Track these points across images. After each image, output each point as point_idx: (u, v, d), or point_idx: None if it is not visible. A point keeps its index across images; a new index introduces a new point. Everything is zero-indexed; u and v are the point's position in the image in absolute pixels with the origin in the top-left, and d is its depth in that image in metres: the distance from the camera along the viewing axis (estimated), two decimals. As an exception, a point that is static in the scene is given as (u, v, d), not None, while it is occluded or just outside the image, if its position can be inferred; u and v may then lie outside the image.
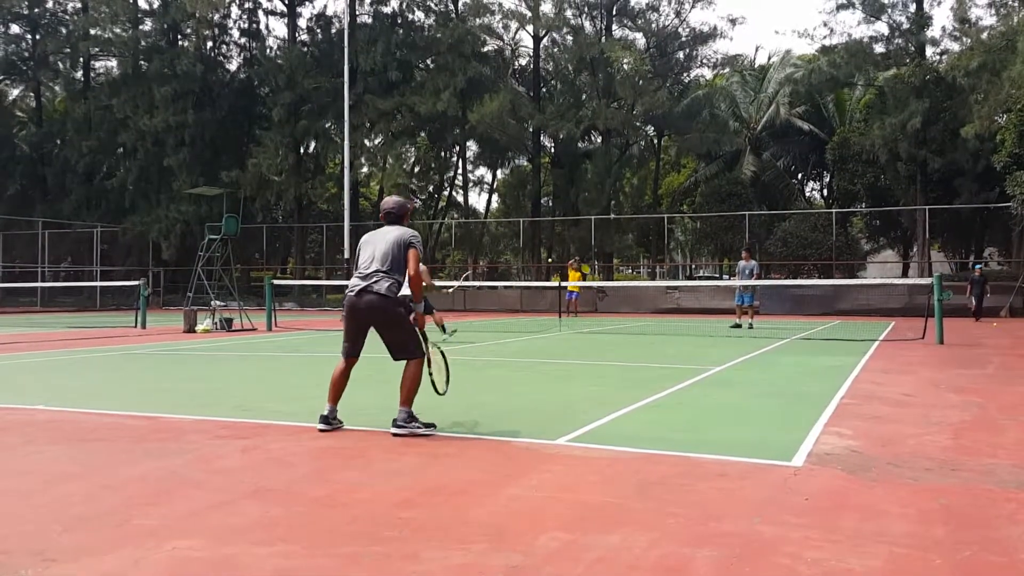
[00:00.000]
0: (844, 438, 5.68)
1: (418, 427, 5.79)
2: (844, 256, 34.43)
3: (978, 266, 27.05)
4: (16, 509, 4.05)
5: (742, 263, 19.23)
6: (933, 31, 35.30)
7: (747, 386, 8.58)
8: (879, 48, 35.54)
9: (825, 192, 47.55)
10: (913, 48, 34.65)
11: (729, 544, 3.43)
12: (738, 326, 18.85)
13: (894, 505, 4.05)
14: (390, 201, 6.27)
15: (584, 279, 28.39)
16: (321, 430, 5.96)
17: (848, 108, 41.23)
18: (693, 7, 42.89)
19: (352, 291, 5.91)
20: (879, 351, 13.02)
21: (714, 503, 4.06)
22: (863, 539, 3.51)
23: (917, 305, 23.91)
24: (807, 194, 49.04)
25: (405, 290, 5.91)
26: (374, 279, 5.82)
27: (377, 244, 5.97)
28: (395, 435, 5.73)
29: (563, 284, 25.74)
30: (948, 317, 16.93)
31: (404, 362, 5.97)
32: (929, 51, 35.03)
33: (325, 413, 6.02)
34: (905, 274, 38.57)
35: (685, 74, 46.07)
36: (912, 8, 34.75)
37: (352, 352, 6.08)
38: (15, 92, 50.69)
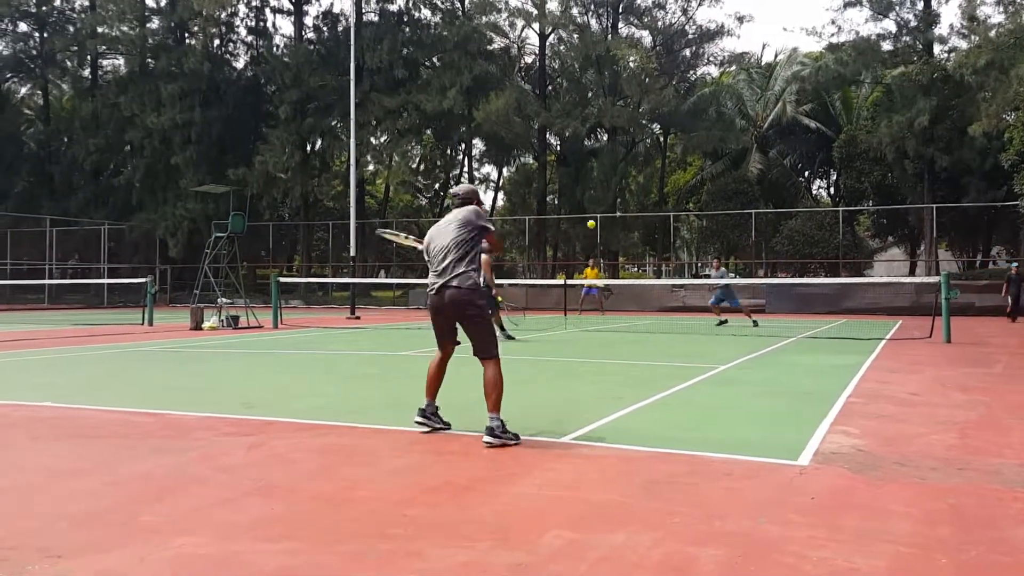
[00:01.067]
0: (850, 437, 5.67)
1: (510, 438, 5.43)
2: (851, 255, 34.35)
3: (1014, 264, 26.66)
4: (22, 505, 4.07)
5: (713, 272, 21.00)
6: (941, 29, 35.31)
7: (753, 385, 8.56)
8: (887, 46, 35.46)
9: (832, 190, 47.44)
10: (921, 46, 34.54)
11: (734, 543, 3.42)
12: (724, 323, 19.81)
13: (900, 504, 4.03)
14: (460, 188, 6.11)
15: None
16: (418, 422, 5.82)
17: (855, 106, 41.11)
18: (700, 5, 42.89)
19: (432, 290, 5.73)
20: (886, 350, 12.99)
21: (719, 502, 4.05)
22: (868, 538, 3.50)
23: (924, 304, 23.81)
24: (814, 192, 48.94)
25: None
26: (451, 273, 5.64)
27: (444, 234, 5.76)
28: (488, 445, 5.35)
29: (582, 282, 25.93)
30: (956, 316, 16.86)
31: (474, 363, 5.77)
32: (937, 49, 34.92)
33: (423, 407, 5.88)
34: (912, 273, 38.45)
35: (691, 72, 46.01)
36: (920, 6, 34.64)
37: (446, 344, 5.95)
38: (23, 90, 50.82)
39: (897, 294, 27.64)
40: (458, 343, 6.00)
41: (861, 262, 36.82)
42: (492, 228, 5.86)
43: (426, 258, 5.91)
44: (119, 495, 4.23)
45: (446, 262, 5.68)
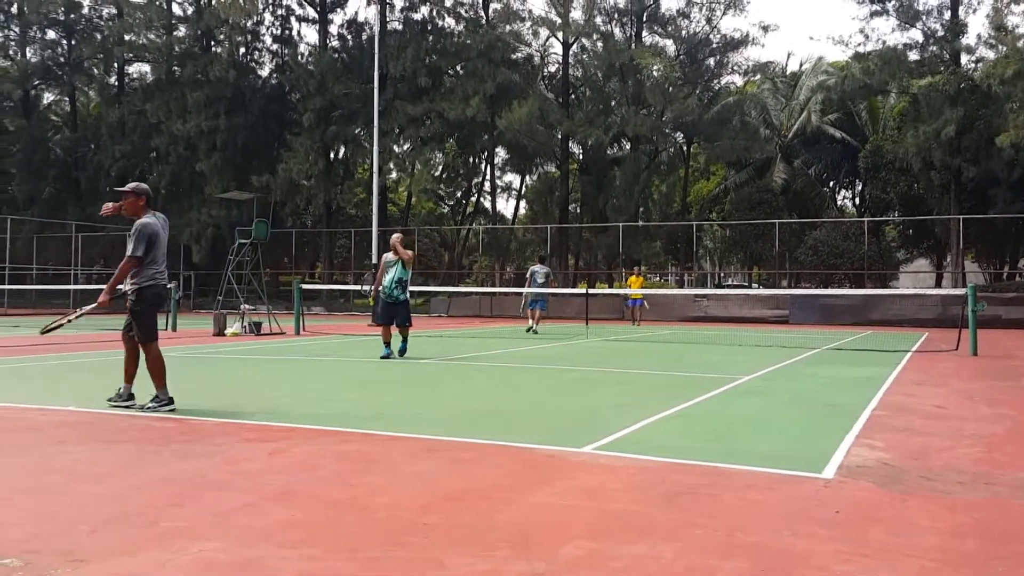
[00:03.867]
0: (875, 450, 5.60)
1: (164, 404, 7.00)
2: (876, 266, 34.06)
3: None
4: (46, 508, 4.09)
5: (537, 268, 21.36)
6: (968, 38, 34.86)
7: (776, 396, 8.49)
8: (913, 55, 35.23)
9: (857, 201, 47.09)
10: (948, 55, 34.27)
11: (757, 556, 3.38)
12: (531, 330, 19.94)
13: (925, 519, 3.98)
14: (130, 185, 7.27)
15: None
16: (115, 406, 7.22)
17: (881, 116, 40.82)
18: (725, 14, 42.77)
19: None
20: (912, 362, 12.85)
21: (742, 514, 4.01)
22: (893, 553, 3.45)
23: (950, 316, 23.55)
24: (839, 202, 48.58)
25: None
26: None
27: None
28: (148, 410, 6.98)
29: (626, 291, 25.78)
30: (983, 328, 16.64)
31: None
32: (964, 59, 34.65)
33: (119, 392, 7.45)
34: (938, 284, 38.06)
35: (715, 81, 45.89)
36: (947, 15, 34.38)
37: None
38: (50, 97, 51.44)
39: (923, 306, 27.34)
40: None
41: (887, 273, 36.50)
42: (130, 251, 6.88)
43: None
44: (141, 499, 4.25)
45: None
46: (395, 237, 12.16)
